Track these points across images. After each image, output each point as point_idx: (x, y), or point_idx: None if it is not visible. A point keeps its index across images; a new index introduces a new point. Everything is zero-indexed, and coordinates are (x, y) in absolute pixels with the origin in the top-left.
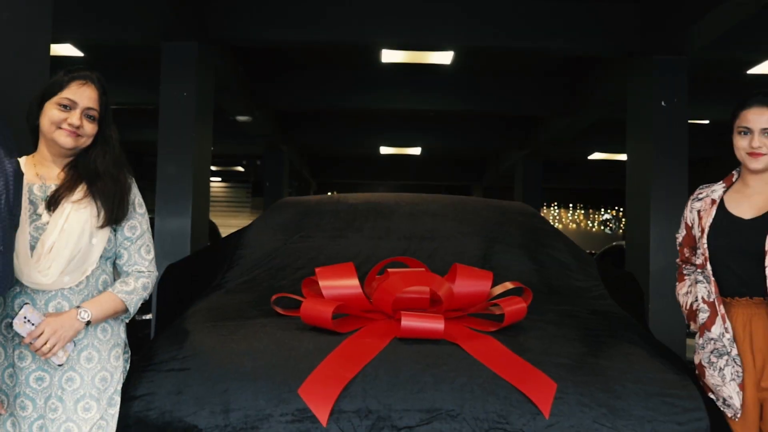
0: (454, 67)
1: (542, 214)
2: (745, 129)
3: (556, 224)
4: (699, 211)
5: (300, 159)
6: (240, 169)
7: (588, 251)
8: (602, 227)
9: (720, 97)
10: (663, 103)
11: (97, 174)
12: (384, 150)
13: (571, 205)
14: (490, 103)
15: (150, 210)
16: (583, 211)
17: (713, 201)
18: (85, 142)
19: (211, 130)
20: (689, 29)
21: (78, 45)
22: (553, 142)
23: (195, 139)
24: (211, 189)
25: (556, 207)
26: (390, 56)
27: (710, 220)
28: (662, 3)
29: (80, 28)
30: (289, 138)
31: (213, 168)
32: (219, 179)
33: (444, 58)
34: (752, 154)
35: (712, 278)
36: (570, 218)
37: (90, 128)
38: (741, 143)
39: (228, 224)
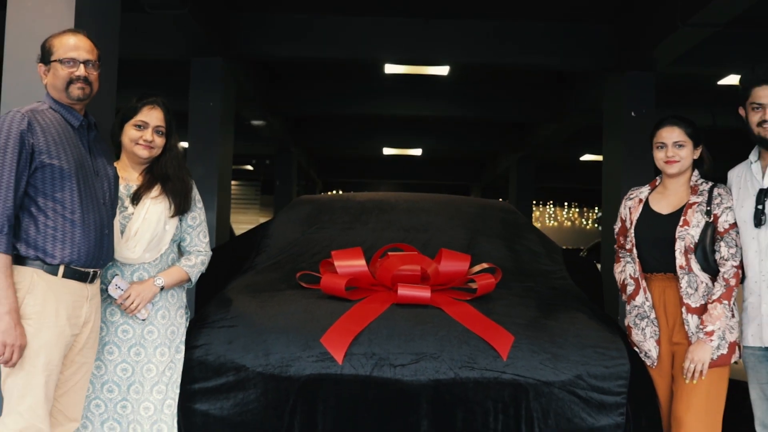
0: (451, 78)
1: (538, 213)
2: (661, 144)
3: (552, 222)
4: (630, 208)
5: (308, 159)
6: (249, 168)
7: (579, 248)
8: (596, 225)
9: (691, 105)
10: (632, 114)
11: (167, 177)
12: (387, 151)
13: (566, 203)
14: (484, 111)
15: None
16: (577, 210)
17: (641, 200)
18: (156, 152)
19: (232, 134)
20: (655, 49)
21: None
22: (544, 145)
23: (219, 143)
24: None
25: (552, 206)
26: (392, 68)
27: (637, 215)
28: (632, 25)
29: (122, 45)
30: (299, 140)
31: None
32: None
33: (441, 70)
34: (668, 162)
35: (637, 260)
36: (565, 216)
37: (159, 141)
38: (659, 155)
39: (237, 221)
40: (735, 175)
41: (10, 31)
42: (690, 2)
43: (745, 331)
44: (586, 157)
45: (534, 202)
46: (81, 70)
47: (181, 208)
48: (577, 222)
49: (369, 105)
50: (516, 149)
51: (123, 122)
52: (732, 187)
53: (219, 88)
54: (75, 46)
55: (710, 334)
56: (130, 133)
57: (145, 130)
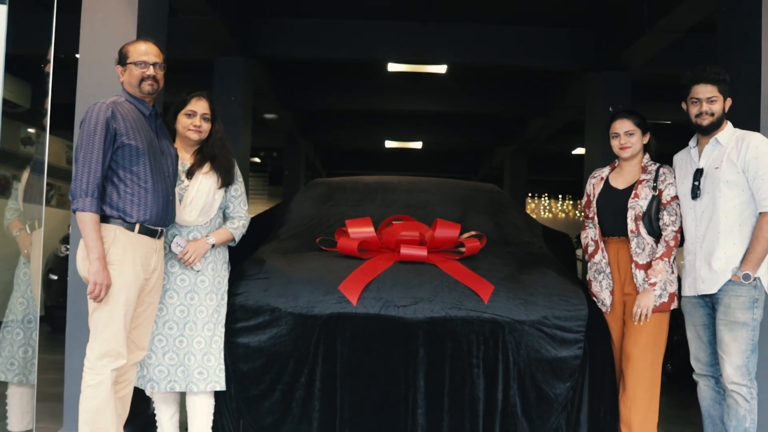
0: (449, 76)
1: (533, 205)
2: (615, 134)
3: (547, 214)
4: (593, 185)
5: (314, 152)
6: (257, 160)
7: (573, 236)
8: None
9: (667, 102)
10: (610, 110)
11: (214, 156)
12: (389, 144)
13: (560, 196)
14: (479, 106)
15: None
16: (571, 202)
17: (602, 178)
18: (204, 136)
19: (250, 127)
20: (627, 51)
21: None
22: (535, 139)
23: (240, 136)
24: None
25: (546, 198)
26: (395, 67)
27: (599, 190)
28: (608, 29)
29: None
30: (307, 133)
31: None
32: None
33: (439, 69)
34: (622, 149)
35: (597, 225)
36: (560, 208)
37: (206, 126)
38: (614, 143)
39: None
40: (678, 158)
41: (84, 38)
42: (655, 10)
43: (683, 284)
44: (578, 151)
45: (530, 194)
46: (150, 71)
47: (226, 181)
48: (570, 214)
49: (372, 100)
50: (509, 142)
51: (176, 112)
52: (676, 168)
53: (240, 85)
54: (146, 52)
55: (653, 285)
56: (182, 120)
57: (194, 118)
